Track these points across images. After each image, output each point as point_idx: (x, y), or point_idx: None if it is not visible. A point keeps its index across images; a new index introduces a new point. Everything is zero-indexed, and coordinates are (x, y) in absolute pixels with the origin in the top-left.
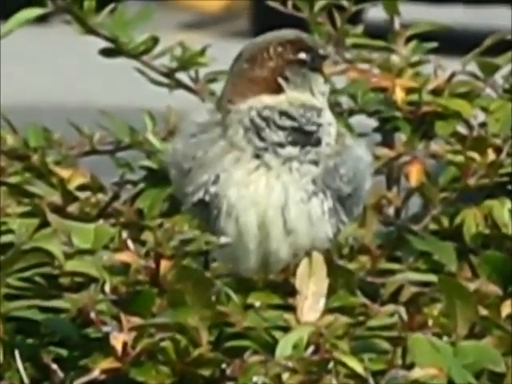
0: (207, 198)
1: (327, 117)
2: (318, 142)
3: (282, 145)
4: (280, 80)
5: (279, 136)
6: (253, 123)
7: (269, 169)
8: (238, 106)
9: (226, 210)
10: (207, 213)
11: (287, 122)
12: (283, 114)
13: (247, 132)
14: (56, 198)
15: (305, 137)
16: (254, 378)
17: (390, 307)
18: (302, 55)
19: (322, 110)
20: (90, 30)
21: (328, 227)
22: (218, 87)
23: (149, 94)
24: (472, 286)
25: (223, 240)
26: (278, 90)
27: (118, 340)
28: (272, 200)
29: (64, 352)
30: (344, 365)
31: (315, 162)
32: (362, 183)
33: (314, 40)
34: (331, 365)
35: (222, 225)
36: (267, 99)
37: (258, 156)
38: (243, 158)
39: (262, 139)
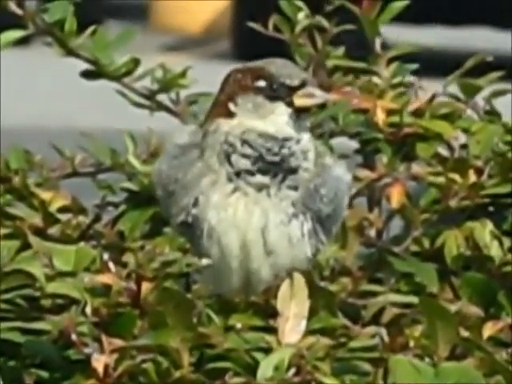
0: (189, 219)
1: (300, 145)
2: (293, 171)
3: (251, 172)
4: (230, 105)
5: (245, 163)
6: (222, 148)
7: (245, 194)
8: (210, 127)
9: (208, 232)
10: (191, 233)
11: (248, 151)
12: (245, 142)
13: (219, 156)
14: (37, 220)
15: (272, 166)
16: None
17: (372, 329)
18: (260, 83)
19: (287, 140)
20: (71, 52)
21: (307, 248)
22: (198, 109)
23: (130, 116)
24: (453, 308)
25: (204, 262)
26: (230, 114)
27: (99, 362)
28: (252, 223)
29: (45, 374)
30: None
31: (294, 187)
32: (341, 203)
33: (290, 70)
34: None
35: (205, 245)
36: (222, 123)
37: (232, 180)
38: (219, 181)
39: (231, 164)
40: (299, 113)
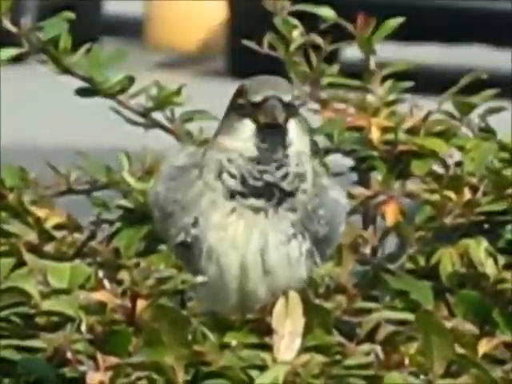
0: (189, 239)
1: (291, 168)
2: (290, 194)
3: (244, 195)
4: (219, 123)
5: (234, 184)
6: (216, 165)
7: (243, 215)
8: (208, 145)
9: (207, 253)
10: (189, 254)
11: (234, 171)
12: (229, 161)
13: (215, 173)
14: (32, 237)
15: (266, 190)
16: None
17: (367, 346)
18: (238, 100)
19: (269, 163)
20: (66, 70)
21: (303, 269)
22: (193, 127)
23: (124, 134)
24: (448, 325)
25: (200, 279)
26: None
27: (94, 379)
28: (251, 244)
29: None
30: None
31: (293, 209)
32: (337, 226)
33: (262, 86)
34: None
35: (203, 265)
36: (217, 141)
37: (229, 199)
38: (218, 200)
39: (223, 183)
40: (267, 129)
